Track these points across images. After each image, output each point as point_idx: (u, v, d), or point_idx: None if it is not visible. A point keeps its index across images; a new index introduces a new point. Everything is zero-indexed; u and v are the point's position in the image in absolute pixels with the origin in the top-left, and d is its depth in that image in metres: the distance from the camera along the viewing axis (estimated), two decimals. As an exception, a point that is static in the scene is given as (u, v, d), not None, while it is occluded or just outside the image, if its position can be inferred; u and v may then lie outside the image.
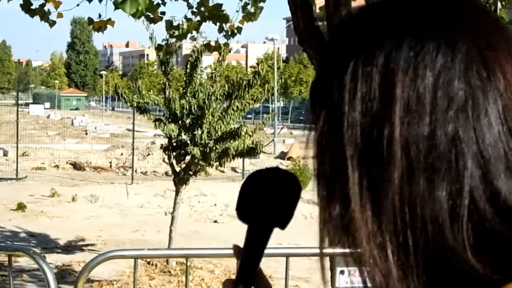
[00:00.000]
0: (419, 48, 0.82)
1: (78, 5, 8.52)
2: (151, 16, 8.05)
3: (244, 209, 1.11)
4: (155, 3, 7.75)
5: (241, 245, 1.17)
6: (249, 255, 1.14)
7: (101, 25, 8.48)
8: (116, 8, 5.86)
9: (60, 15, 8.44)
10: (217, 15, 8.04)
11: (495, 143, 0.80)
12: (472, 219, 0.79)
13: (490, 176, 0.79)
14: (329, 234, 0.90)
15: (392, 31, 0.85)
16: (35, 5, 8.23)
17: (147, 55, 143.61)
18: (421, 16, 0.85)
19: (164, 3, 8.09)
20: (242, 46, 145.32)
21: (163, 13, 8.25)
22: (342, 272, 5.03)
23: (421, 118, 0.80)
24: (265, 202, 1.07)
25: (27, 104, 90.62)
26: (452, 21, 0.84)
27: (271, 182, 1.05)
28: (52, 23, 8.39)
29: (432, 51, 0.82)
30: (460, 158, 0.79)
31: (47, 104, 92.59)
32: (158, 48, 9.33)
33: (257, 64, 13.74)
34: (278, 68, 57.78)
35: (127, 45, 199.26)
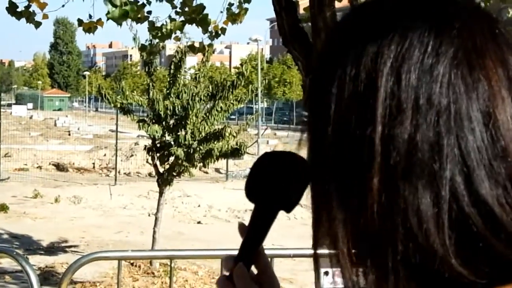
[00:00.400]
0: (404, 51, 0.82)
1: (63, 5, 8.50)
2: (137, 16, 8.02)
3: (252, 188, 1.11)
4: (140, 3, 7.72)
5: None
6: (253, 234, 1.15)
7: (91, 26, 8.46)
8: (108, 18, 5.86)
9: (45, 16, 8.41)
10: (199, 19, 8.02)
11: (478, 149, 0.79)
12: (459, 226, 0.79)
13: (473, 183, 0.78)
14: (318, 237, 0.90)
15: (380, 33, 0.84)
16: (20, 7, 8.19)
17: (131, 55, 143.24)
18: (409, 18, 0.84)
19: (149, 3, 8.07)
20: (226, 47, 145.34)
21: (150, 12, 8.23)
22: (326, 273, 5.03)
23: (402, 123, 0.80)
24: (275, 183, 1.08)
25: (9, 105, 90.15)
26: (440, 25, 0.83)
27: (284, 165, 1.06)
28: (37, 25, 8.36)
29: (418, 55, 0.81)
30: (442, 164, 0.79)
31: (30, 105, 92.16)
32: (142, 48, 9.31)
33: (241, 65, 13.73)
34: (262, 69, 57.80)
35: (110, 46, 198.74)
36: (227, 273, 1.15)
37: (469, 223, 0.79)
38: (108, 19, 5.92)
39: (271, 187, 1.09)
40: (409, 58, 0.81)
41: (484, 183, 0.79)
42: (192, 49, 9.63)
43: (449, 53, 0.81)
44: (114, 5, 5.85)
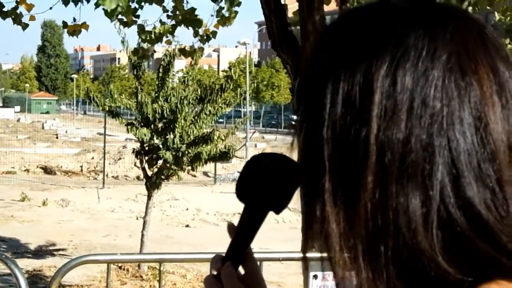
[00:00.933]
0: (400, 55, 0.83)
1: (51, 8, 8.47)
2: (125, 19, 8.02)
3: (243, 188, 1.12)
4: (132, 7, 7.71)
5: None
6: (241, 234, 1.16)
7: (76, 29, 8.45)
8: (97, 6, 5.81)
9: (32, 18, 8.40)
10: (191, 20, 8.02)
11: (468, 152, 0.80)
12: (445, 226, 0.80)
13: (461, 185, 0.80)
14: (308, 237, 0.91)
15: (375, 37, 0.86)
16: (7, 7, 8.17)
17: (119, 58, 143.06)
18: (404, 24, 0.86)
19: (141, 7, 8.07)
20: (214, 50, 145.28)
21: (137, 16, 8.22)
22: (315, 276, 5.04)
23: (397, 124, 0.81)
24: (265, 184, 1.09)
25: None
26: (434, 30, 0.85)
27: (275, 166, 1.07)
28: (24, 26, 8.34)
29: (413, 59, 0.83)
30: (433, 165, 0.80)
31: (17, 108, 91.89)
32: (135, 52, 9.29)
33: (229, 68, 13.74)
34: (250, 72, 57.84)
35: (98, 49, 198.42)
36: (215, 272, 1.16)
37: (455, 224, 0.80)
38: (97, 6, 5.84)
39: (261, 187, 1.10)
40: (404, 62, 0.83)
41: (472, 186, 0.80)
42: (183, 52, 9.62)
43: (443, 58, 0.83)
44: None
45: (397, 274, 0.82)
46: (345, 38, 0.89)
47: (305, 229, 0.92)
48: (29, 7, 8.27)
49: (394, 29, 0.85)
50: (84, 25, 8.51)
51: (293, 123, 0.93)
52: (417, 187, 0.80)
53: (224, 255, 1.16)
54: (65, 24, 8.53)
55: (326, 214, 0.85)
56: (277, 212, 1.11)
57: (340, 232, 0.84)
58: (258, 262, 5.34)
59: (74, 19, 8.49)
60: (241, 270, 1.18)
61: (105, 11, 5.77)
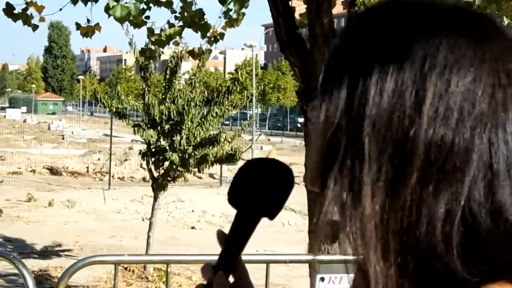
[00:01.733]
0: (453, 60, 0.84)
1: (61, 9, 8.47)
2: (135, 21, 8.01)
3: (235, 194, 1.11)
4: (140, 8, 7.71)
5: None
6: (233, 241, 1.14)
7: (88, 30, 8.45)
8: (109, 15, 5.81)
9: (42, 19, 8.40)
10: (199, 23, 8.01)
11: (507, 157, 0.82)
12: (467, 226, 0.81)
13: (494, 188, 0.81)
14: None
15: (427, 36, 0.86)
16: (18, 9, 8.17)
17: (125, 60, 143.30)
18: (453, 28, 0.87)
19: (149, 8, 8.06)
20: (220, 52, 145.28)
21: (148, 17, 8.22)
22: (322, 279, 5.03)
23: (446, 124, 0.82)
24: (257, 190, 1.08)
25: (3, 108, 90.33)
26: (480, 35, 0.87)
27: (267, 171, 1.06)
28: (34, 28, 8.35)
29: (465, 64, 0.84)
30: (470, 168, 0.82)
31: (24, 108, 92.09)
32: (142, 52, 9.28)
33: (236, 70, 13.69)
34: (257, 74, 57.85)
35: (104, 50, 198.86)
36: (204, 282, 1.15)
37: (479, 226, 0.81)
38: (109, 16, 5.85)
39: (254, 193, 1.09)
40: (458, 65, 0.84)
41: (506, 190, 0.81)
42: (191, 54, 9.62)
43: (493, 65, 0.85)
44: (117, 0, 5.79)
45: (415, 270, 0.83)
46: (394, 31, 0.89)
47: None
48: (40, 9, 8.27)
49: (444, 31, 0.86)
50: (97, 27, 8.50)
51: (311, 121, 0.92)
52: (448, 186, 0.82)
53: (214, 263, 1.15)
54: (78, 26, 8.52)
55: (363, 209, 0.85)
56: (271, 218, 1.10)
57: (376, 227, 0.84)
58: (265, 265, 5.34)
59: (88, 20, 8.48)
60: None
61: (115, 17, 5.78)
